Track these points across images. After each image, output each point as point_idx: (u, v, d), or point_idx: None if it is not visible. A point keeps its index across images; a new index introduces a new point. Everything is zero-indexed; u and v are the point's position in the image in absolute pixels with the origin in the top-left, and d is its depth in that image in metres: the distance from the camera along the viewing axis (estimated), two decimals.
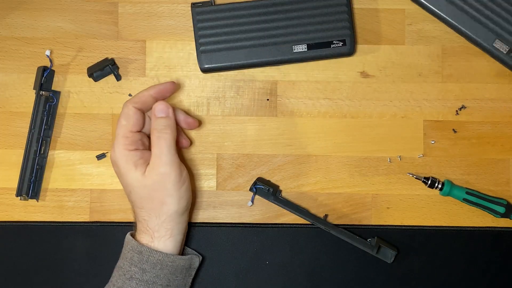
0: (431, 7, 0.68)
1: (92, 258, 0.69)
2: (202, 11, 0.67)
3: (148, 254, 0.59)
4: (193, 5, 0.68)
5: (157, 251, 0.60)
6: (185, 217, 0.63)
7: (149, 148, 0.63)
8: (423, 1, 0.68)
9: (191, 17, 0.69)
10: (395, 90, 0.70)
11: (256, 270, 0.69)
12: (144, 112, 0.63)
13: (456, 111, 0.70)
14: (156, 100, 0.63)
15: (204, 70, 0.68)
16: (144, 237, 0.61)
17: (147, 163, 0.61)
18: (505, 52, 0.68)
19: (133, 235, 0.62)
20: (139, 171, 0.60)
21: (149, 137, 0.63)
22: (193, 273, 0.64)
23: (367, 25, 0.70)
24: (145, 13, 0.70)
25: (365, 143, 0.70)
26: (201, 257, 0.66)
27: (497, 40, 0.67)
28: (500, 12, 0.67)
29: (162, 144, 0.60)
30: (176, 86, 0.66)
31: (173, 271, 0.61)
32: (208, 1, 0.68)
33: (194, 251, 0.66)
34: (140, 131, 0.63)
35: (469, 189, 0.69)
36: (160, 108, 0.62)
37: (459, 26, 0.68)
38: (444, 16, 0.68)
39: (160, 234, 0.60)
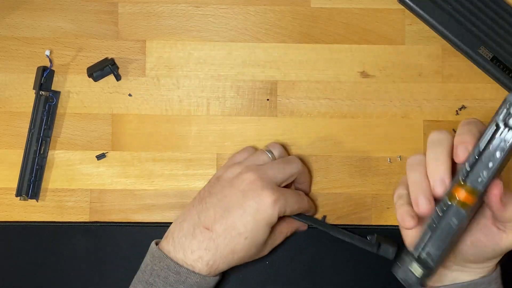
0: (418, 9, 0.68)
1: (92, 258, 0.68)
2: None
3: (186, 275, 0.57)
4: None
5: (195, 273, 0.58)
6: None
7: None
8: (410, 3, 0.68)
9: (191, 17, 0.69)
10: (395, 90, 0.70)
11: (256, 270, 0.69)
12: None
13: (456, 111, 0.70)
14: None
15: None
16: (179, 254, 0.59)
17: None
18: (489, 59, 0.68)
19: (161, 247, 0.60)
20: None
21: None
22: None
23: (367, 25, 0.70)
24: (145, 13, 0.70)
25: (365, 143, 0.70)
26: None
27: (482, 46, 0.67)
28: (485, 19, 0.68)
29: None
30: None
31: None
32: None
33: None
34: None
35: None
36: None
37: (445, 31, 0.68)
38: (430, 19, 0.68)
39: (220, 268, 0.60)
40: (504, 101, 0.45)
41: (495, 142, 0.45)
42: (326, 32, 0.70)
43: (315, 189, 0.70)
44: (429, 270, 0.49)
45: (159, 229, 0.68)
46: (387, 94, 0.70)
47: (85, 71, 0.69)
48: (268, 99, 0.70)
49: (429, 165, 0.49)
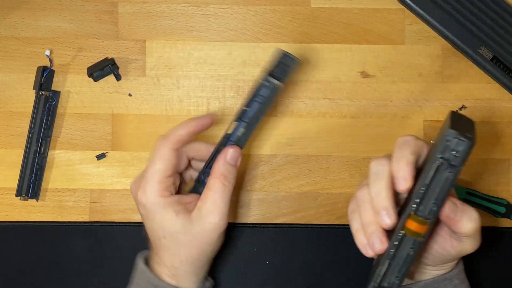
0: (418, 9, 0.68)
1: (92, 258, 0.68)
2: None
3: None
4: None
5: (174, 286, 0.58)
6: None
7: (180, 189, 0.61)
8: (410, 3, 0.68)
9: (191, 17, 0.69)
10: (395, 90, 0.70)
11: (255, 270, 0.69)
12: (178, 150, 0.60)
13: (456, 111, 0.70)
14: (192, 135, 0.59)
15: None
16: (164, 272, 0.58)
17: (187, 208, 0.57)
18: (489, 59, 0.68)
19: (146, 261, 0.60)
20: (182, 218, 0.56)
21: (179, 174, 0.61)
22: None
23: (367, 25, 0.70)
24: (145, 13, 0.70)
25: (365, 143, 0.70)
26: (213, 282, 0.65)
27: (482, 46, 0.67)
28: (485, 19, 0.68)
29: (225, 194, 0.57)
30: (214, 120, 0.61)
31: None
32: None
33: (210, 279, 0.64)
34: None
35: (469, 189, 0.69)
36: (233, 156, 0.58)
37: (445, 31, 0.68)
38: (430, 19, 0.68)
39: (187, 279, 0.59)
40: (443, 137, 0.48)
41: (438, 177, 0.48)
42: (326, 32, 0.70)
43: (315, 189, 0.70)
44: None
45: None
46: (387, 94, 0.70)
47: (85, 71, 0.69)
48: None
49: (373, 200, 0.51)
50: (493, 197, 0.69)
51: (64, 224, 0.69)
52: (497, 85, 0.70)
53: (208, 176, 0.59)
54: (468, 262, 0.68)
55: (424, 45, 0.70)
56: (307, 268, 0.69)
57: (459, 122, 0.51)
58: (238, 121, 0.57)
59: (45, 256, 0.68)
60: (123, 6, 0.70)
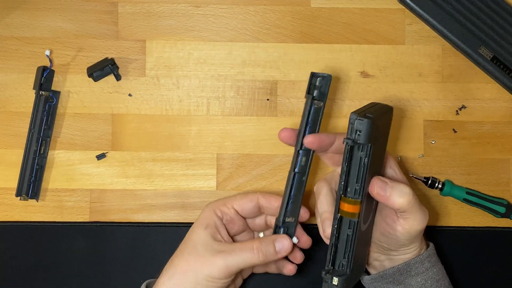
0: (418, 9, 0.68)
1: (92, 258, 0.68)
2: None
3: None
4: None
5: None
6: None
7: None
8: (410, 3, 0.68)
9: (191, 17, 0.69)
10: (395, 90, 0.70)
11: None
12: (249, 215, 0.62)
13: (456, 111, 0.70)
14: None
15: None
16: None
17: (216, 237, 0.59)
18: (489, 59, 0.68)
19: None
20: (206, 235, 0.58)
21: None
22: None
23: (367, 25, 0.70)
24: (145, 13, 0.70)
25: None
26: None
27: (482, 46, 0.67)
28: (485, 19, 0.68)
29: (249, 259, 0.57)
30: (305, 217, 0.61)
31: None
32: None
33: None
34: (235, 217, 0.61)
35: (469, 189, 0.69)
36: (283, 248, 0.58)
37: (445, 31, 0.68)
38: (430, 19, 0.68)
39: None
40: (349, 120, 0.52)
41: (354, 158, 0.52)
42: (326, 32, 0.70)
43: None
44: (347, 277, 0.54)
45: (159, 229, 0.68)
46: (387, 94, 0.70)
47: (85, 71, 0.69)
48: (268, 99, 0.70)
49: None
50: (493, 197, 0.69)
51: (64, 224, 0.69)
52: (497, 85, 0.70)
53: (287, 226, 0.59)
54: (468, 262, 0.68)
55: (424, 45, 0.70)
56: (306, 268, 0.69)
57: (369, 108, 0.55)
58: (298, 151, 0.57)
59: (45, 256, 0.68)
60: (123, 6, 0.70)
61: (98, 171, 0.69)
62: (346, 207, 0.53)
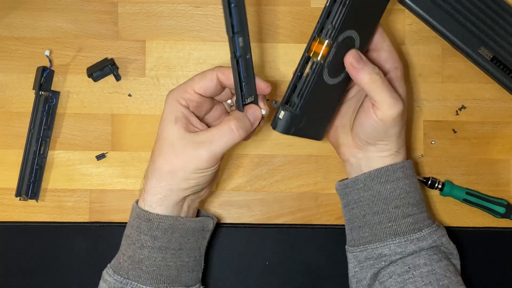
0: (418, 9, 0.68)
1: (92, 258, 0.68)
2: None
3: (158, 221, 0.57)
4: None
5: (167, 216, 0.57)
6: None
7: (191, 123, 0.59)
8: (410, 3, 0.68)
9: (191, 17, 0.69)
10: None
11: (256, 270, 0.69)
12: (213, 95, 0.59)
13: (456, 111, 0.70)
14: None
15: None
16: (142, 199, 0.58)
17: (189, 127, 0.57)
18: (489, 59, 0.68)
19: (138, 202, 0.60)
20: (177, 129, 0.56)
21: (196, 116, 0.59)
22: (207, 236, 0.63)
23: None
24: (145, 13, 0.70)
25: None
26: (215, 220, 0.64)
27: (482, 47, 0.67)
28: (485, 19, 0.67)
29: (229, 139, 0.56)
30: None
31: (183, 234, 0.59)
32: None
33: (208, 213, 0.65)
34: (200, 100, 0.58)
35: (469, 189, 0.69)
36: (255, 116, 0.58)
37: (445, 31, 0.68)
38: (430, 19, 0.68)
39: (160, 202, 0.58)
40: None
41: (337, 2, 0.54)
42: None
43: (315, 189, 0.70)
44: (294, 115, 0.55)
45: None
46: None
47: (85, 71, 0.69)
48: (268, 99, 0.70)
49: None
50: (493, 197, 0.69)
51: (64, 224, 0.69)
52: (497, 85, 0.70)
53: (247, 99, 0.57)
54: (469, 261, 0.68)
55: (424, 45, 0.70)
56: (307, 268, 0.69)
57: None
58: (231, 37, 0.53)
59: (45, 256, 0.68)
60: (123, 6, 0.70)
61: (98, 171, 0.69)
62: (315, 46, 0.54)
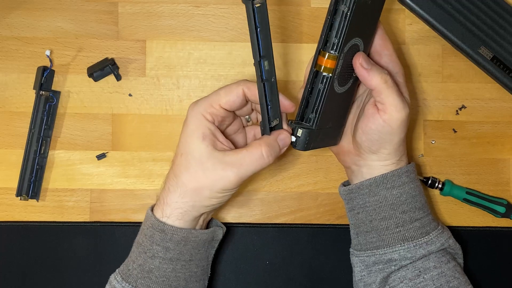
0: (418, 9, 0.68)
1: (92, 258, 0.68)
2: None
3: (172, 233, 0.57)
4: None
5: (181, 228, 0.57)
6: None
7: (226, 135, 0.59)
8: (410, 3, 0.68)
9: (191, 17, 0.69)
10: None
11: (256, 270, 0.69)
12: (238, 109, 0.59)
13: (456, 111, 0.70)
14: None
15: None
16: (159, 210, 0.57)
17: (215, 144, 0.56)
18: (489, 59, 0.68)
19: (152, 209, 0.59)
20: (205, 146, 0.55)
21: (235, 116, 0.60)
22: (216, 244, 0.63)
23: None
24: (145, 13, 0.70)
25: None
26: (225, 228, 0.64)
27: (482, 46, 0.67)
28: (485, 19, 0.68)
29: (257, 164, 0.56)
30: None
31: (195, 246, 0.59)
32: None
33: (218, 222, 0.64)
34: (225, 114, 0.58)
35: (469, 189, 0.69)
36: (285, 142, 0.57)
37: (445, 31, 0.68)
38: (430, 19, 0.68)
39: (178, 216, 0.57)
40: None
41: (338, 12, 0.53)
42: None
43: (315, 189, 0.70)
44: (311, 131, 0.56)
45: None
46: None
47: (85, 71, 0.69)
48: None
49: None
50: (493, 197, 0.69)
51: (65, 224, 0.69)
52: (497, 85, 0.70)
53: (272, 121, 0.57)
54: (468, 262, 0.68)
55: (424, 45, 0.70)
56: (307, 268, 0.69)
57: None
58: (258, 61, 0.53)
59: (45, 256, 0.68)
60: (123, 6, 0.70)
61: (98, 171, 0.69)
62: (322, 60, 0.54)
